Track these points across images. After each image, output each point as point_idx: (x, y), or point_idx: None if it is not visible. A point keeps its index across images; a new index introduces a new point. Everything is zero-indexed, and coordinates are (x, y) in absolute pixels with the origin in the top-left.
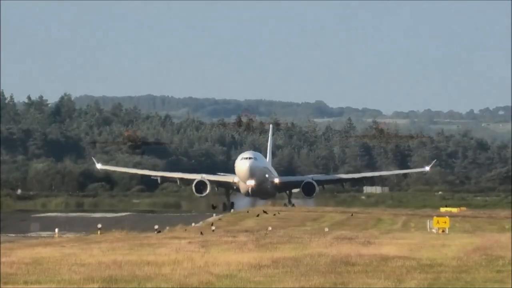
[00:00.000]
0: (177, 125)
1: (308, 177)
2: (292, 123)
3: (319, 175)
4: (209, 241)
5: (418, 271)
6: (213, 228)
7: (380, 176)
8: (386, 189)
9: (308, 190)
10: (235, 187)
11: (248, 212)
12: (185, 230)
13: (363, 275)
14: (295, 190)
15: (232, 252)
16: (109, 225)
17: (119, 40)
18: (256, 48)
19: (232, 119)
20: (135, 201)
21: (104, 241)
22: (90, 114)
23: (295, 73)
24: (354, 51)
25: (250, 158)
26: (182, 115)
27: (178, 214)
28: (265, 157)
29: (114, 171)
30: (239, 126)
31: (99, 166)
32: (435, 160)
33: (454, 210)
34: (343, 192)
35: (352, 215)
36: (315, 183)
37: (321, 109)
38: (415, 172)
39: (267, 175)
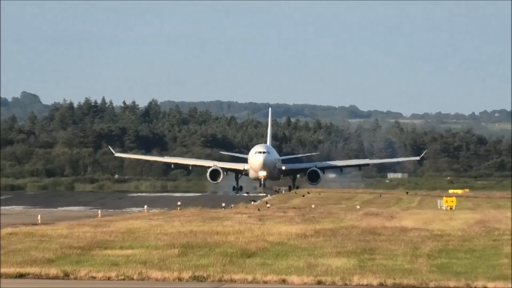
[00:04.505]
0: (239, 124)
1: (312, 165)
2: (331, 123)
3: (321, 162)
4: (265, 216)
5: (430, 240)
6: (268, 205)
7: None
8: (406, 175)
9: (313, 177)
10: (244, 173)
11: (295, 193)
12: (246, 207)
13: (387, 243)
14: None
15: (283, 224)
16: (186, 203)
17: (195, 57)
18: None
19: (283, 119)
20: (206, 184)
21: (182, 215)
22: (172, 115)
23: (334, 83)
24: (381, 66)
25: (263, 152)
26: (244, 116)
27: (240, 195)
28: (267, 139)
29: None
30: (288, 125)
31: (116, 154)
32: (425, 151)
33: (459, 191)
34: (372, 177)
35: (380, 195)
36: (319, 171)
37: (353, 112)
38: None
39: (276, 165)
